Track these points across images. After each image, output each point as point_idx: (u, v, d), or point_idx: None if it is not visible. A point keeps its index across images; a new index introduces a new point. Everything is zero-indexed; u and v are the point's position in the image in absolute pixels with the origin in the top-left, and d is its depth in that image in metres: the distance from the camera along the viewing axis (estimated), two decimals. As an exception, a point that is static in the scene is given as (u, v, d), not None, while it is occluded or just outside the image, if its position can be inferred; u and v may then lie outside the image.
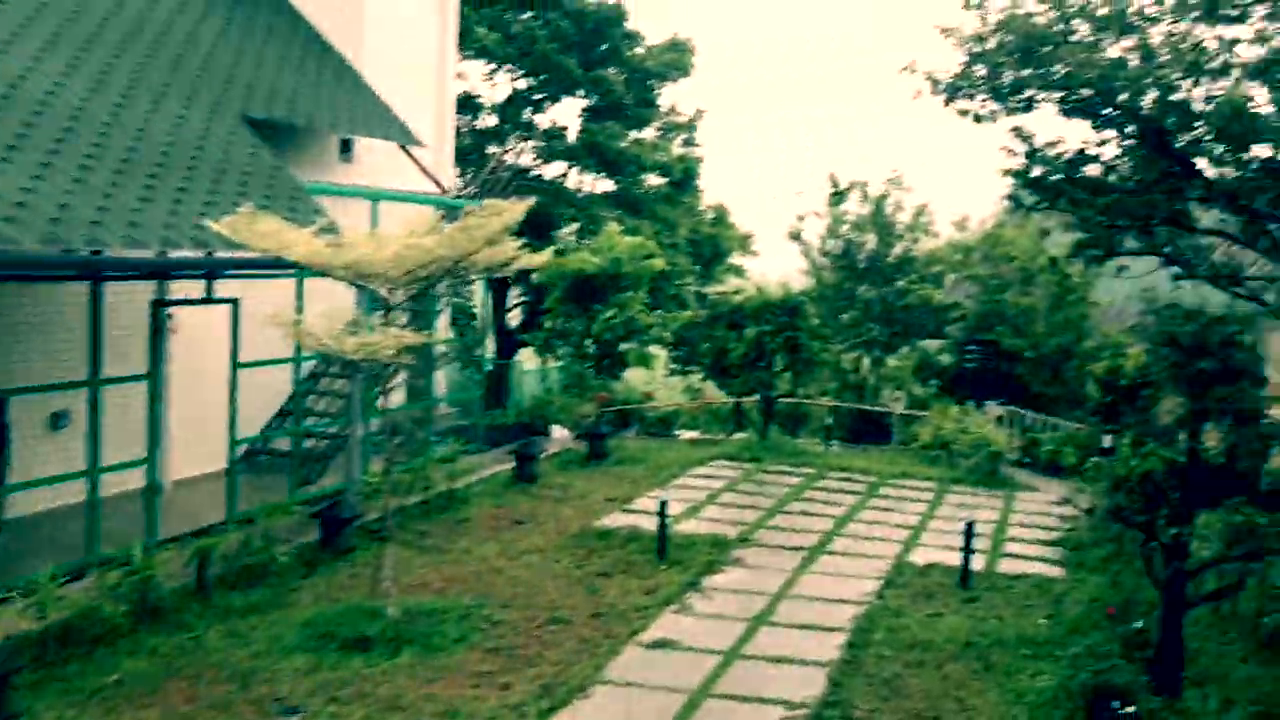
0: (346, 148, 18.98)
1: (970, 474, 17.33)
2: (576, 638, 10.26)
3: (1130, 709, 8.07)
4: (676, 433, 23.57)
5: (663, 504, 12.72)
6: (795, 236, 27.69)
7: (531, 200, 10.87)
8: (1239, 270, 14.71)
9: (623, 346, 24.16)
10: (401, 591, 11.27)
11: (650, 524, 13.23)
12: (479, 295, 33.33)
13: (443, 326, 22.51)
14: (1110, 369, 17.53)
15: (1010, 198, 13.77)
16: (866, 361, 27.28)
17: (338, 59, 18.77)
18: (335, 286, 11.86)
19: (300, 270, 12.98)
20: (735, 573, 12.27)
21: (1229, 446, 9.24)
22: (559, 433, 21.75)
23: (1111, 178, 13.13)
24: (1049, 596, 11.47)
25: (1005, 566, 12.60)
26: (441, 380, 22.83)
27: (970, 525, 11.81)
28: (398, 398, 18.80)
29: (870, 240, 26.51)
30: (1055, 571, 12.46)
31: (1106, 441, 13.79)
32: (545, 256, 11.78)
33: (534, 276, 25.16)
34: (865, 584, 11.81)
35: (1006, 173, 13.91)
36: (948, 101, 13.11)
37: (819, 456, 18.75)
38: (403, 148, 19.02)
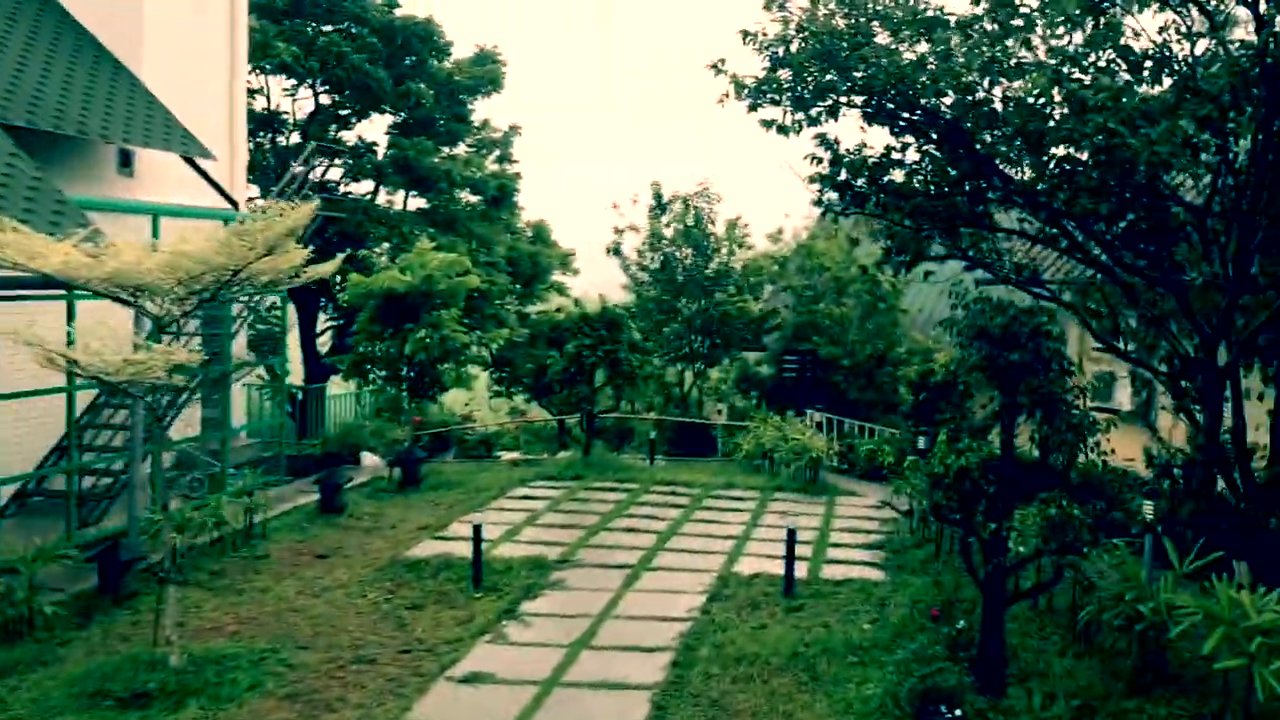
0: (126, 161, 17.53)
1: (792, 481, 17.26)
2: (382, 677, 9.45)
3: (956, 712, 7.87)
4: (498, 454, 22.81)
5: (477, 528, 12.00)
6: (615, 251, 27.40)
7: (316, 203, 10.08)
8: (1039, 270, 15.10)
9: (439, 367, 23.32)
10: (189, 637, 10.22)
11: (466, 550, 12.50)
12: (292, 316, 32.08)
13: (239, 349, 21.14)
14: (922, 371, 17.81)
15: (818, 203, 13.67)
16: (689, 375, 27.18)
17: (112, 66, 17.36)
18: (118, 310, 10.68)
19: (71, 291, 11.75)
20: (555, 596, 11.66)
21: (1042, 439, 9.21)
22: (371, 460, 20.72)
23: (915, 181, 13.20)
24: (873, 601, 11.32)
25: (829, 572, 12.43)
26: (240, 409, 21.41)
27: (792, 533, 11.57)
28: (190, 429, 17.43)
29: (688, 253, 26.44)
30: (877, 575, 12.36)
31: (921, 442, 13.88)
32: (333, 265, 10.97)
33: (341, 298, 24.06)
34: (690, 599, 11.39)
35: (812, 179, 13.83)
36: (751, 108, 12.87)
37: (644, 471, 18.37)
38: (189, 161, 17.70)
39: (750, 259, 26.29)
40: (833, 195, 13.28)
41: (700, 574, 12.28)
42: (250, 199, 22.82)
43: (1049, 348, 9.00)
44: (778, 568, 12.21)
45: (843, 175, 12.85)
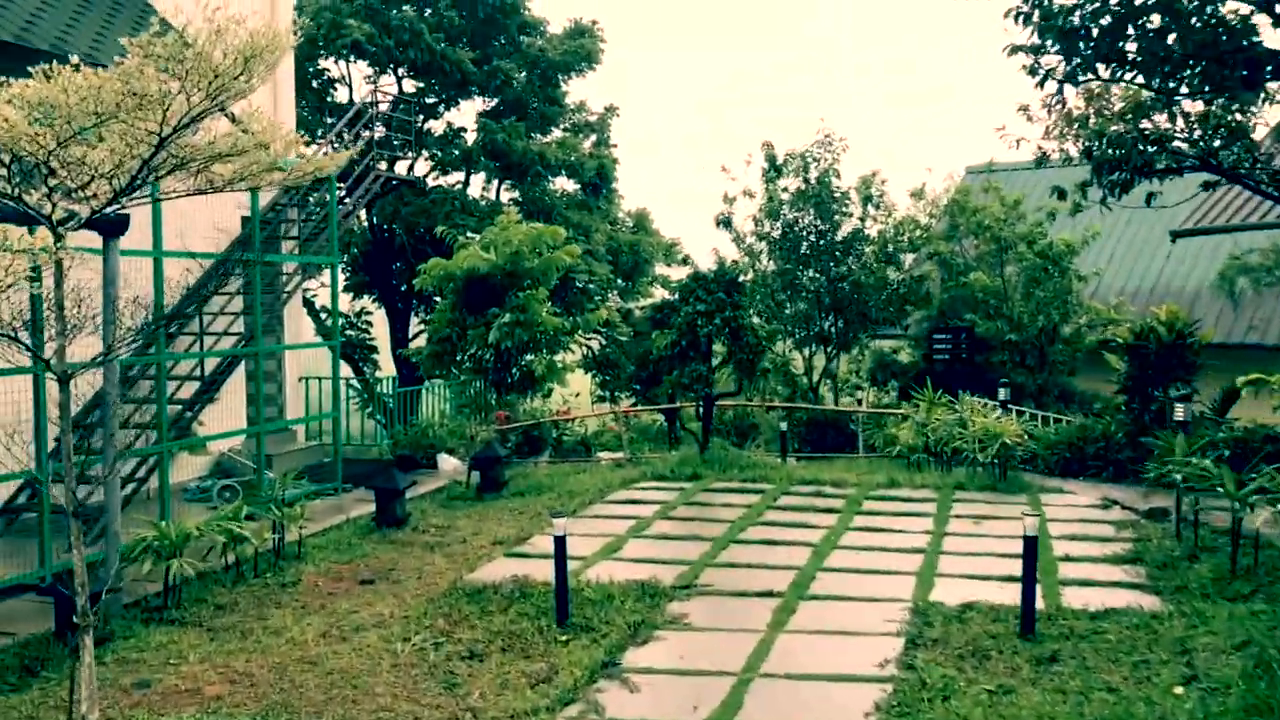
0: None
1: (974, 478, 13.31)
2: (405, 784, 5.92)
3: None
4: (598, 455, 19.33)
5: (559, 540, 8.39)
6: (724, 223, 23.61)
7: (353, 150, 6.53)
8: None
9: (528, 357, 19.97)
10: (156, 702, 6.94)
11: (549, 571, 8.94)
12: (382, 326, 29.27)
13: (298, 332, 18.10)
14: (1141, 330, 13.69)
15: (1031, 71, 9.84)
16: (819, 361, 23.27)
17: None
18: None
19: None
20: (674, 640, 7.98)
21: None
22: (450, 463, 17.42)
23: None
24: (1164, 644, 7.34)
25: (1075, 599, 8.46)
26: (299, 404, 18.34)
27: (1032, 543, 7.64)
28: (226, 424, 14.33)
29: (812, 218, 22.54)
30: (1150, 602, 8.35)
31: (1180, 411, 9.78)
32: (343, 156, 7.45)
33: (417, 283, 20.91)
34: (879, 644, 7.57)
35: (1018, 49, 10.02)
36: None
37: (776, 469, 14.58)
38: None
39: (890, 221, 22.24)
40: (1050, 59, 9.42)
41: (885, 604, 8.45)
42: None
43: None
44: (998, 594, 8.36)
45: (1076, 18, 8.92)
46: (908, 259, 22.77)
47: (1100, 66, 9.43)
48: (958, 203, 21.25)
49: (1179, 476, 9.29)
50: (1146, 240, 24.51)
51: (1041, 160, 12.58)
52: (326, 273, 28.27)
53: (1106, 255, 23.35)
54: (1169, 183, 12.57)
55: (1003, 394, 15.55)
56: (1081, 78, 9.77)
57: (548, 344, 20.19)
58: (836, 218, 22.28)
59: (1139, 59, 9.10)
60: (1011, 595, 8.26)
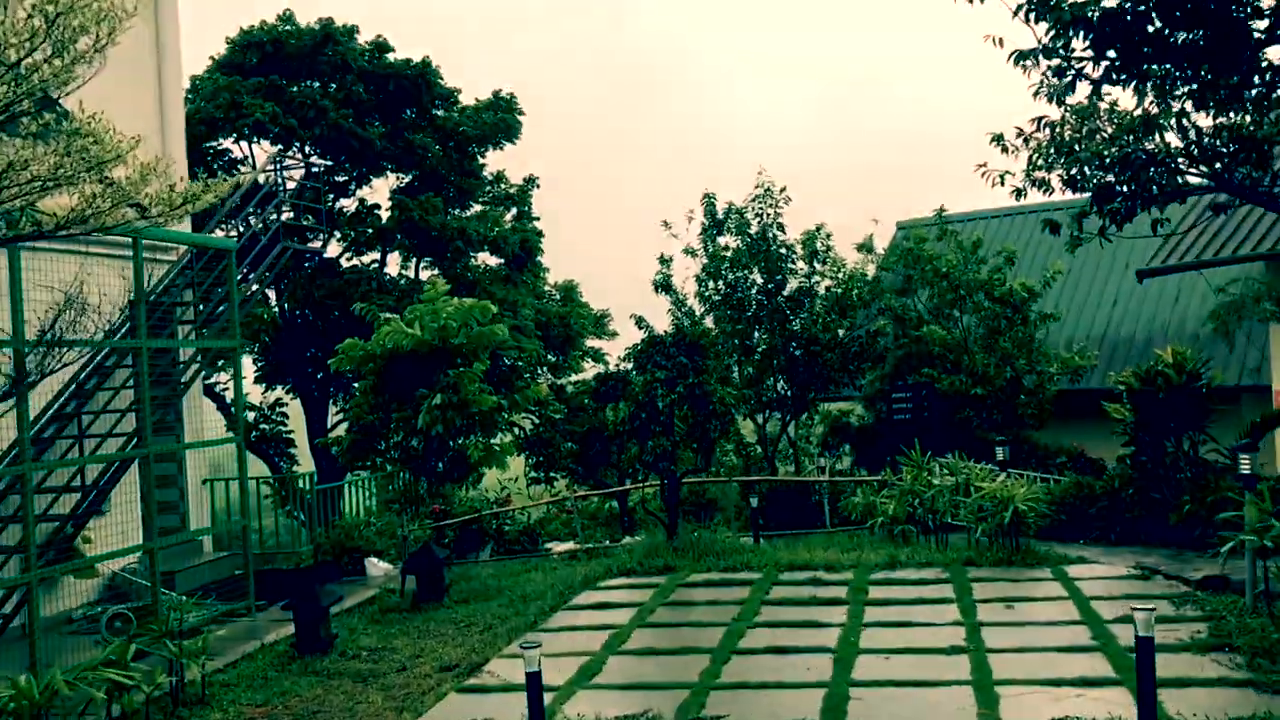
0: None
1: (984, 551, 11.74)
2: None
3: None
4: (546, 546, 17.41)
5: (534, 678, 6.52)
6: (663, 285, 22.06)
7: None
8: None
9: (463, 440, 18.10)
10: None
11: (515, 710, 7.07)
12: (299, 418, 27.05)
13: (201, 429, 16.02)
14: (1148, 371, 12.39)
15: (1023, 57, 8.50)
16: (774, 427, 21.74)
17: None
18: None
19: None
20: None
21: None
22: (380, 567, 15.43)
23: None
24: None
25: (1179, 704, 6.81)
26: (204, 510, 16.16)
27: (1148, 644, 6.00)
28: (126, 538, 12.17)
29: (758, 275, 21.13)
30: (1267, 703, 6.77)
31: (1244, 466, 8.35)
32: (226, 186, 5.70)
33: (332, 364, 18.95)
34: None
35: (1020, 56, 8.73)
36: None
37: (753, 553, 12.81)
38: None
39: (841, 275, 20.91)
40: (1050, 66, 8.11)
41: (945, 729, 6.75)
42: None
43: None
44: (1085, 704, 6.72)
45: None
46: (856, 315, 21.43)
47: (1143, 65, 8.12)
48: (912, 251, 20.03)
49: (1256, 540, 7.81)
50: (1093, 285, 23.69)
51: (1019, 193, 11.36)
52: (237, 362, 26.43)
53: (1064, 300, 22.34)
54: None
55: (1000, 454, 14.11)
56: (1118, 77, 8.45)
57: (483, 426, 18.37)
58: (779, 276, 20.93)
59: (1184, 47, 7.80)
60: (1102, 704, 6.64)
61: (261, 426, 25.54)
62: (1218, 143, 10.26)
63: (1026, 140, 11.29)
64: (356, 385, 18.50)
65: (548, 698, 7.76)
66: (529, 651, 6.46)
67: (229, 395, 25.11)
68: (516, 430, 24.54)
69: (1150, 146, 10.60)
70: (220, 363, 23.83)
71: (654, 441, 12.94)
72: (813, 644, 8.80)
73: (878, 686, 7.61)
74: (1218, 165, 10.41)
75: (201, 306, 15.14)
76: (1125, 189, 10.95)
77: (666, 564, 12.19)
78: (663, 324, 21.04)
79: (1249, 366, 17.40)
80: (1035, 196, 11.15)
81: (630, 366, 13.82)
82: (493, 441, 18.63)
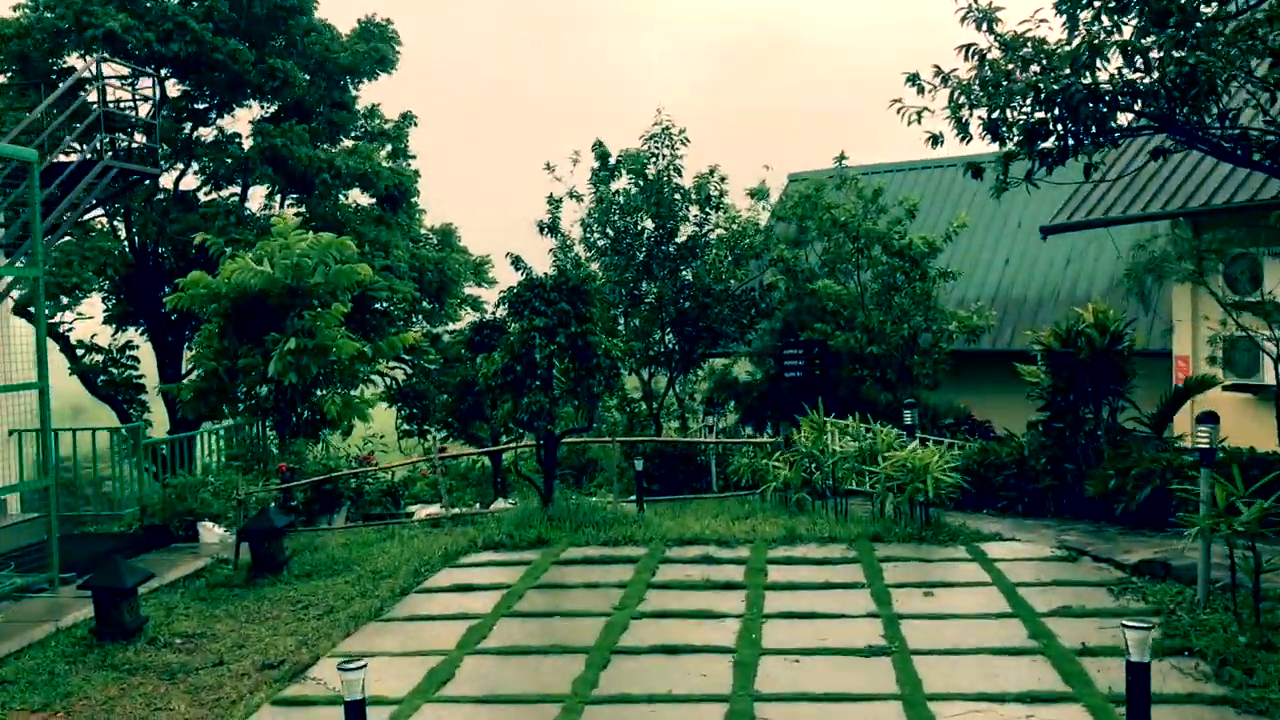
0: None
1: (886, 525, 10.61)
2: None
3: None
4: (409, 510, 15.81)
5: (353, 706, 5.02)
6: (549, 228, 20.42)
7: None
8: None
9: (320, 393, 16.34)
10: None
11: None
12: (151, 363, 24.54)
13: (9, 372, 13.87)
14: (1070, 330, 11.43)
15: None
16: (661, 384, 20.46)
17: None
18: None
19: None
20: None
21: None
22: (215, 533, 13.63)
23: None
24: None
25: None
26: (11, 465, 14.07)
27: (1143, 670, 4.83)
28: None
29: (649, 223, 19.70)
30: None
31: (1202, 439, 7.28)
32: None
33: (169, 301, 16.88)
34: None
35: None
36: None
37: (637, 524, 11.44)
38: None
39: (735, 225, 19.60)
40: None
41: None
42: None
43: None
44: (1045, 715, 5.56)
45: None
46: (752, 266, 20.18)
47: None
48: (809, 199, 18.81)
49: (1220, 527, 6.75)
50: (984, 244, 22.99)
51: (936, 140, 10.20)
52: (85, 302, 23.79)
53: (956, 259, 21.47)
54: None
55: (909, 417, 13.00)
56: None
57: (342, 376, 16.61)
58: (671, 223, 19.52)
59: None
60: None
61: (111, 370, 23.24)
62: (1165, 77, 9.22)
63: (945, 79, 10.19)
64: (203, 328, 16.52)
65: (384, 715, 6.29)
66: (350, 675, 4.95)
67: (73, 336, 22.74)
68: (389, 380, 22.81)
69: (1087, 81, 9.57)
70: (65, 300, 21.54)
71: (530, 398, 11.42)
72: (708, 642, 7.47)
73: (787, 702, 6.31)
74: (1164, 104, 9.41)
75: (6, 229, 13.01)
76: (1060, 128, 9.96)
77: (540, 536, 10.74)
78: (545, 268, 19.48)
79: (1157, 331, 16.78)
80: (948, 149, 10.02)
81: (506, 313, 12.24)
82: (352, 394, 16.92)
